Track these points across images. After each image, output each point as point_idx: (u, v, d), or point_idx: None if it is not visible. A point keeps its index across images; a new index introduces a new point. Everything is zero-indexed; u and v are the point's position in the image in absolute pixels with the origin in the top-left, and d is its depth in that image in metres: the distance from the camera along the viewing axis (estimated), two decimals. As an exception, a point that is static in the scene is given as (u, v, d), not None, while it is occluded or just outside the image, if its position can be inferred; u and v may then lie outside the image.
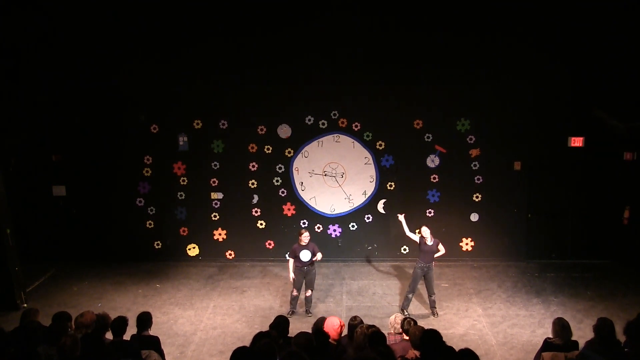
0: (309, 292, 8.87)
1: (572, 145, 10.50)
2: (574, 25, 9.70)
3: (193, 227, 11.16)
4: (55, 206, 11.04)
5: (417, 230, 8.73)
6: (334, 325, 5.62)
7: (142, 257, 11.16)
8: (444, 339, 4.92)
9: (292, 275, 8.73)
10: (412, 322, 5.74)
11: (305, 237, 8.63)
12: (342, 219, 11.07)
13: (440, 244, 8.66)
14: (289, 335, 5.61)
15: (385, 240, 11.11)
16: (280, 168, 10.86)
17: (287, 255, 8.79)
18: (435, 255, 8.68)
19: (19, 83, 10.22)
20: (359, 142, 10.73)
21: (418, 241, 8.70)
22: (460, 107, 10.48)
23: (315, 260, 8.67)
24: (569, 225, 10.91)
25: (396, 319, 6.07)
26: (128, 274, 10.63)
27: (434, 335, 4.86)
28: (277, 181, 10.92)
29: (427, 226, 8.68)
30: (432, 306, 8.84)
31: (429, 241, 8.58)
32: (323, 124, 10.66)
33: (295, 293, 8.82)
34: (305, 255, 8.63)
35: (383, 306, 9.23)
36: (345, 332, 5.79)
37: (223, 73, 10.37)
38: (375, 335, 5.19)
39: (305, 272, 8.73)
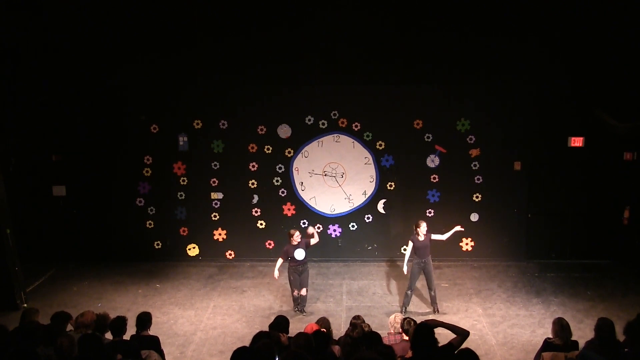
0: (304, 291, 8.89)
1: (572, 145, 10.50)
2: (574, 25, 9.70)
3: (193, 227, 11.16)
4: (55, 206, 11.04)
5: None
6: (311, 329, 5.63)
7: (142, 257, 11.16)
8: (444, 338, 4.89)
9: (276, 273, 8.86)
10: (412, 322, 5.74)
11: (297, 237, 8.69)
12: (342, 219, 11.07)
13: (432, 235, 8.72)
14: (289, 335, 5.62)
15: (385, 240, 11.11)
16: (280, 168, 10.86)
17: (280, 260, 8.83)
18: (446, 236, 8.76)
19: (19, 83, 10.21)
20: (359, 142, 10.72)
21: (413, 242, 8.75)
22: (460, 107, 10.48)
23: (314, 237, 8.86)
24: (569, 225, 10.90)
25: (396, 318, 6.07)
26: (128, 274, 10.63)
27: (426, 330, 4.74)
28: (277, 181, 10.92)
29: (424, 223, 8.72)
30: (433, 302, 8.85)
31: (421, 237, 8.63)
32: (323, 124, 10.65)
33: (295, 293, 8.86)
34: (299, 254, 8.68)
35: (383, 306, 9.23)
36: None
37: (223, 73, 10.37)
38: (370, 335, 5.20)
39: (300, 271, 8.77)
